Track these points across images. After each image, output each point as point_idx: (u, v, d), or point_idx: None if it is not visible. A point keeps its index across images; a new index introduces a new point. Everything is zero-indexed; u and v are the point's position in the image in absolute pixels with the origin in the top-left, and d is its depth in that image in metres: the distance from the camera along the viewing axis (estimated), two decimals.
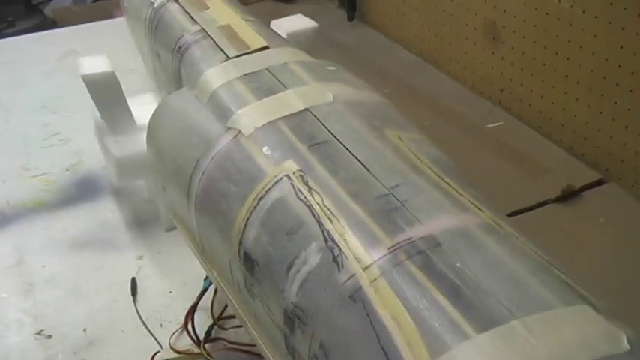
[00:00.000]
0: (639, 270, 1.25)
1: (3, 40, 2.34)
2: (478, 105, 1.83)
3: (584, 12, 1.47)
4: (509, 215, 1.38)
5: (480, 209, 0.68)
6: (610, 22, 1.42)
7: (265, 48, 1.03)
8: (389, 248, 0.63)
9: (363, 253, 0.64)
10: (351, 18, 2.34)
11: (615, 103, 1.45)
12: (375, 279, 0.62)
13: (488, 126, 1.73)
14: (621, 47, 1.41)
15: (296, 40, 1.26)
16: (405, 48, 2.16)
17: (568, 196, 1.45)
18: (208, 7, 1.21)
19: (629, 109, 1.43)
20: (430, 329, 0.56)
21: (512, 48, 1.72)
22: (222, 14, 1.18)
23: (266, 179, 0.78)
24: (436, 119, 1.77)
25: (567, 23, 1.52)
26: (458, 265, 0.60)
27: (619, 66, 1.42)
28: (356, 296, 0.62)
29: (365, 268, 0.63)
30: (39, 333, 1.16)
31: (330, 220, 0.69)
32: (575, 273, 1.23)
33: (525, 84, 1.71)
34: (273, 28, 1.29)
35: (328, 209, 0.70)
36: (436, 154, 0.80)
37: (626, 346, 0.54)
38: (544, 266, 0.62)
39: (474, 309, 0.57)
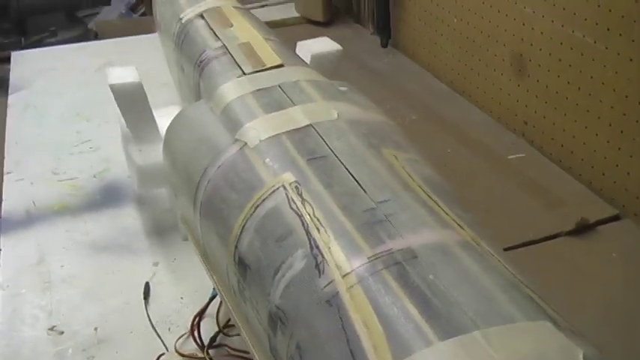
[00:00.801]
0: None
1: (43, 49, 2.42)
2: (502, 136, 1.86)
3: (607, 48, 1.50)
4: (522, 245, 1.41)
5: (461, 227, 0.71)
6: (631, 60, 1.43)
7: (280, 66, 1.07)
8: (368, 258, 0.67)
9: (344, 261, 0.67)
10: (384, 45, 2.38)
11: (634, 139, 1.47)
12: (352, 286, 0.65)
13: (510, 157, 1.75)
14: None
15: (319, 62, 1.30)
16: (436, 76, 2.20)
17: (582, 229, 1.46)
18: (232, 25, 1.26)
19: None
20: (396, 335, 0.59)
21: (537, 81, 1.75)
22: (244, 32, 1.22)
23: (264, 189, 0.81)
24: (460, 147, 1.80)
25: (590, 59, 1.55)
26: (431, 277, 0.63)
27: (639, 103, 1.44)
28: (332, 301, 0.65)
29: (344, 276, 0.66)
30: (52, 329, 1.20)
31: (318, 230, 0.72)
32: (581, 305, 1.24)
33: (548, 117, 1.73)
34: (299, 49, 1.33)
35: (317, 219, 0.73)
36: (429, 174, 0.83)
37: None
38: (514, 284, 0.65)
39: (440, 318, 0.59)
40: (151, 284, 1.29)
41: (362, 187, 0.76)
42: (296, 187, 0.79)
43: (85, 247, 1.40)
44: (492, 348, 0.56)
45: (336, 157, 0.82)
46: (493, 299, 0.62)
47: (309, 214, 0.74)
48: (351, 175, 0.79)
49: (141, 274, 1.31)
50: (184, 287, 1.28)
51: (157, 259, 1.36)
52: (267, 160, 0.85)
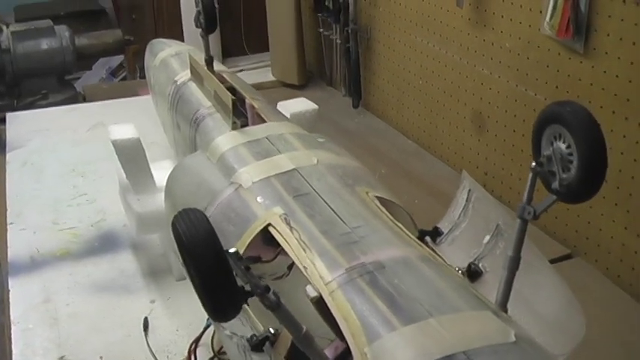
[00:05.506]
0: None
1: (37, 111, 2.57)
2: None
3: None
4: None
5: (421, 246, 0.88)
6: None
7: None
8: (345, 269, 0.83)
9: (326, 273, 0.84)
10: (356, 106, 2.55)
11: None
12: (333, 291, 0.81)
13: None
14: None
15: (298, 120, 1.46)
16: (404, 134, 2.37)
17: None
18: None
19: None
20: (369, 324, 0.76)
21: (496, 135, 1.92)
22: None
23: (258, 221, 0.97)
24: (426, 198, 1.95)
25: None
26: (396, 281, 0.80)
27: None
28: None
29: (326, 284, 0.82)
30: (61, 358, 1.34)
31: (304, 250, 0.88)
32: None
33: (506, 168, 1.91)
34: (279, 108, 1.49)
35: (304, 242, 0.89)
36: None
37: (512, 338, 0.73)
38: (463, 285, 0.82)
39: (403, 310, 0.76)
40: (149, 319, 1.43)
41: (339, 217, 0.93)
42: (285, 218, 0.95)
43: (88, 288, 1.54)
44: (444, 330, 0.73)
45: (317, 193, 0.99)
46: (445, 296, 0.78)
47: (297, 239, 0.91)
48: (330, 208, 0.95)
49: (139, 311, 1.46)
50: (179, 321, 1.43)
51: (153, 297, 1.50)
52: (259, 198, 1.02)
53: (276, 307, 0.73)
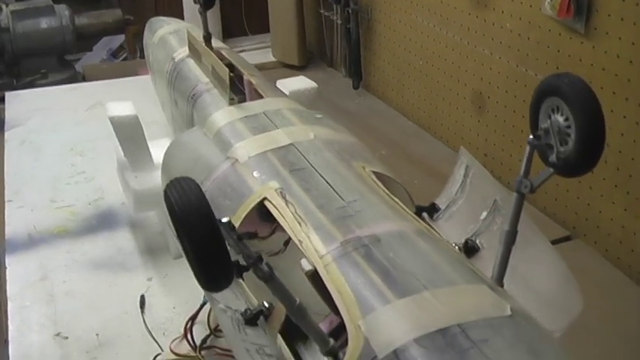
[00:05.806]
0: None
1: (36, 90, 2.56)
2: None
3: None
4: None
5: (417, 221, 0.87)
6: None
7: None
8: (340, 243, 0.83)
9: (321, 247, 0.83)
10: (356, 87, 2.55)
11: None
12: (328, 264, 0.81)
13: None
14: None
15: (297, 98, 1.45)
16: (404, 115, 2.36)
17: None
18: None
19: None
20: (363, 297, 0.75)
21: (496, 116, 1.91)
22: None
23: (254, 195, 0.97)
24: (426, 178, 1.95)
25: None
26: (391, 254, 0.79)
27: None
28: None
29: (321, 257, 0.82)
30: (57, 335, 1.34)
31: (300, 224, 0.88)
32: None
33: (506, 149, 1.90)
34: (278, 86, 1.48)
35: (299, 216, 0.89)
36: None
37: (508, 312, 0.72)
38: (458, 259, 0.82)
39: (398, 284, 0.75)
40: (145, 296, 1.42)
41: (335, 191, 0.93)
42: (280, 192, 0.94)
43: (85, 265, 1.54)
44: (439, 302, 0.72)
45: (314, 168, 0.99)
46: (440, 270, 0.78)
47: (292, 212, 0.90)
48: (326, 182, 0.95)
49: (136, 288, 1.45)
50: (176, 299, 1.42)
51: (150, 275, 1.50)
52: (256, 172, 1.01)
53: (269, 277, 0.73)
